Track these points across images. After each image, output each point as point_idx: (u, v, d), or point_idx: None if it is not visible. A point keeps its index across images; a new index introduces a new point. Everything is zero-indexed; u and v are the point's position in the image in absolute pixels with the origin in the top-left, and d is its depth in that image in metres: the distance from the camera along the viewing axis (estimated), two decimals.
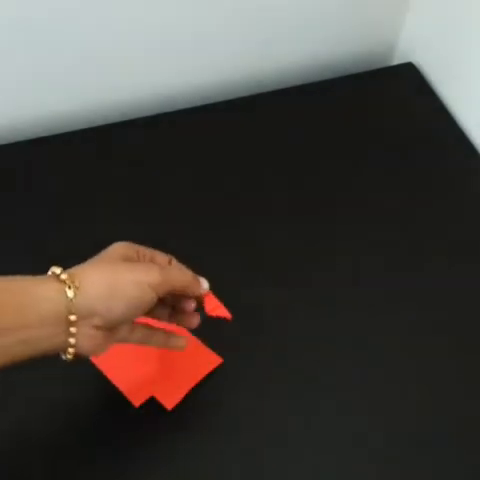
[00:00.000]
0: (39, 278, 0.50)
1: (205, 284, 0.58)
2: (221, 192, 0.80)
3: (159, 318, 0.59)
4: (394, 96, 0.92)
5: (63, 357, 0.52)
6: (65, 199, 0.78)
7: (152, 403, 0.63)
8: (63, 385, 0.64)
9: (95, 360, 0.65)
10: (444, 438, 0.63)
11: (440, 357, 0.68)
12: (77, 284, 0.49)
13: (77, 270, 0.51)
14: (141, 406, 0.63)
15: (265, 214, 0.78)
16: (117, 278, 0.51)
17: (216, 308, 0.59)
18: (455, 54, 0.88)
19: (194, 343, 0.66)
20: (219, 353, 0.66)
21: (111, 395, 0.63)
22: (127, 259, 0.54)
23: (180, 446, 0.62)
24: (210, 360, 0.66)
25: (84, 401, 0.63)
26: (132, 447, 0.62)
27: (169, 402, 0.63)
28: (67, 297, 0.48)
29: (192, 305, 0.58)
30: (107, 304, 0.50)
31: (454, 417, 0.64)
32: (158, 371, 0.64)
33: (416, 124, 0.88)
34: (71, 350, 0.50)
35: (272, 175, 0.82)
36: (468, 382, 0.66)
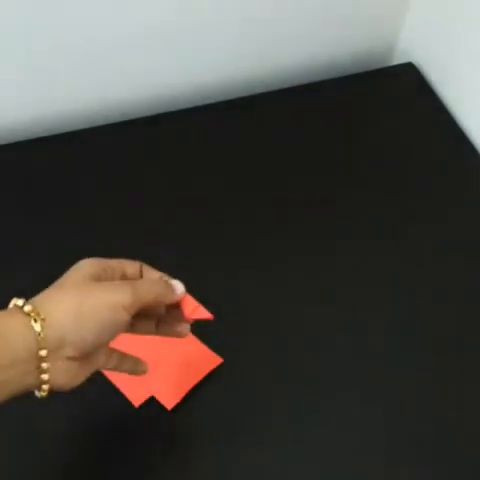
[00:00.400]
0: (2, 312, 0.46)
1: (179, 289, 0.54)
2: (221, 192, 0.80)
3: (146, 332, 0.56)
4: (394, 96, 0.92)
5: (37, 394, 0.48)
6: (65, 199, 0.78)
7: (152, 403, 0.63)
8: None
9: None
10: (445, 439, 0.63)
11: (442, 357, 0.68)
12: (43, 316, 0.45)
13: (41, 299, 0.47)
14: (141, 406, 0.63)
15: (265, 214, 0.78)
16: (86, 303, 0.47)
17: (195, 310, 0.55)
18: (455, 54, 0.88)
19: (194, 343, 0.66)
20: (219, 353, 0.66)
21: (111, 395, 0.63)
22: (95, 278, 0.50)
23: (180, 446, 0.62)
24: (210, 360, 0.66)
25: (84, 401, 0.63)
26: (132, 447, 0.62)
27: (169, 402, 0.63)
28: (35, 331, 0.44)
29: (186, 329, 0.56)
30: (78, 333, 0.46)
31: (454, 417, 0.64)
32: (158, 371, 0.64)
33: (416, 124, 0.88)
34: (45, 387, 0.47)
35: (272, 175, 0.82)
36: (468, 382, 0.66)
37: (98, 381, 0.63)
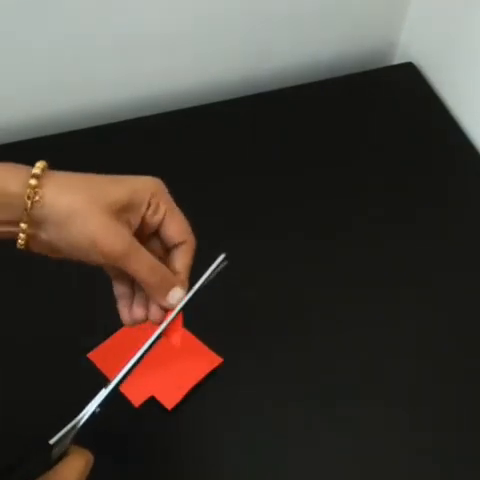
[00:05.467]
0: (12, 173, 0.46)
1: (172, 298, 0.48)
2: (221, 192, 0.80)
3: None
4: (394, 96, 0.92)
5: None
6: None
7: (152, 403, 0.63)
8: (62, 385, 0.64)
9: (95, 360, 0.65)
10: (444, 441, 0.63)
11: (442, 358, 0.68)
12: (39, 197, 0.44)
13: (55, 181, 0.45)
14: (141, 406, 0.63)
15: (265, 214, 0.78)
16: (79, 221, 0.44)
17: (172, 329, 0.49)
18: (455, 54, 0.88)
19: (194, 343, 0.66)
20: (219, 353, 0.66)
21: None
22: (125, 207, 0.46)
23: (180, 446, 0.62)
24: (210, 360, 0.66)
25: (84, 401, 0.63)
26: (132, 447, 0.62)
27: (169, 402, 0.63)
28: (25, 202, 0.44)
29: (140, 314, 0.50)
30: (56, 234, 0.45)
31: (454, 418, 0.64)
32: (158, 371, 0.64)
33: (416, 124, 0.88)
34: (22, 242, 0.46)
35: (273, 175, 0.82)
36: (469, 381, 0.66)
37: (98, 381, 0.63)
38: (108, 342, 0.66)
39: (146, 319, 0.50)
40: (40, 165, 0.46)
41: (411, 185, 0.81)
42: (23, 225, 0.45)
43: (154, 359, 0.65)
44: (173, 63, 0.87)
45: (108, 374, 0.64)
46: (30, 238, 0.46)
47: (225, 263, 0.51)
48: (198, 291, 0.50)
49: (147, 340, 0.49)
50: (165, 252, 0.51)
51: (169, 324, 0.49)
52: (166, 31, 0.83)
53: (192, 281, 0.50)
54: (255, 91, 0.90)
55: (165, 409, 0.63)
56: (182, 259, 0.50)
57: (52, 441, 0.44)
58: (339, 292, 0.72)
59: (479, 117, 0.85)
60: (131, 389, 0.63)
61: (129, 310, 0.51)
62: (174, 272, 0.49)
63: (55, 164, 0.84)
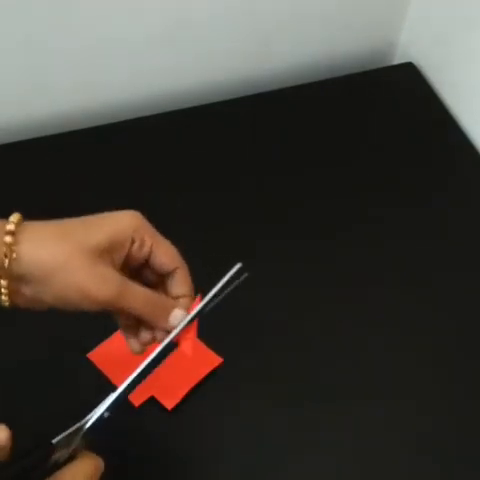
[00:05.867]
0: None
1: (174, 320, 0.48)
2: (221, 192, 0.80)
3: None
4: (394, 96, 0.92)
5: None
6: (64, 200, 0.78)
7: (152, 403, 0.63)
8: (62, 385, 0.64)
9: (95, 360, 0.65)
10: (444, 441, 0.63)
11: (442, 358, 0.68)
12: (15, 255, 0.43)
13: (31, 234, 0.45)
14: (141, 406, 0.63)
15: (265, 214, 0.78)
16: (61, 272, 0.43)
17: (184, 338, 0.50)
18: (455, 54, 0.88)
19: (194, 343, 0.66)
20: (219, 353, 0.66)
21: None
22: (107, 249, 0.46)
23: (180, 446, 0.62)
24: (210, 360, 0.66)
25: (84, 401, 0.63)
26: (132, 447, 0.62)
27: (169, 402, 0.63)
28: (2, 261, 0.43)
29: (147, 337, 0.50)
30: (39, 290, 0.44)
31: (454, 418, 0.64)
32: (158, 371, 0.64)
33: (416, 124, 0.88)
34: (5, 298, 0.45)
35: (273, 175, 0.82)
36: (469, 382, 0.66)
37: (98, 380, 0.63)
38: (108, 342, 0.66)
39: (154, 341, 0.50)
40: (14, 219, 0.45)
41: (411, 185, 0.81)
42: (3, 282, 0.44)
43: None
44: (173, 63, 0.87)
45: (108, 374, 0.64)
46: (13, 294, 0.45)
47: (245, 275, 0.49)
48: (213, 301, 0.49)
49: (155, 348, 0.49)
50: (158, 277, 0.51)
51: (182, 332, 0.49)
52: (166, 31, 0.83)
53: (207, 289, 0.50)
54: (255, 91, 0.90)
55: (165, 409, 0.63)
56: (182, 284, 0.50)
57: (55, 441, 0.43)
58: (339, 292, 0.72)
59: (479, 116, 0.85)
60: None
61: (136, 337, 0.50)
62: (179, 297, 0.50)
63: (55, 164, 0.83)
